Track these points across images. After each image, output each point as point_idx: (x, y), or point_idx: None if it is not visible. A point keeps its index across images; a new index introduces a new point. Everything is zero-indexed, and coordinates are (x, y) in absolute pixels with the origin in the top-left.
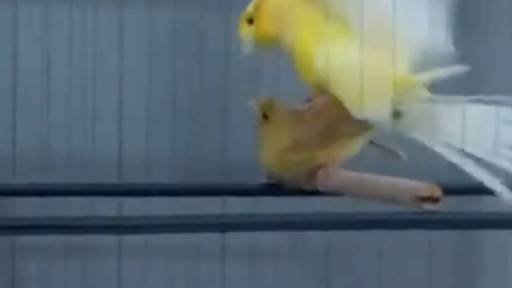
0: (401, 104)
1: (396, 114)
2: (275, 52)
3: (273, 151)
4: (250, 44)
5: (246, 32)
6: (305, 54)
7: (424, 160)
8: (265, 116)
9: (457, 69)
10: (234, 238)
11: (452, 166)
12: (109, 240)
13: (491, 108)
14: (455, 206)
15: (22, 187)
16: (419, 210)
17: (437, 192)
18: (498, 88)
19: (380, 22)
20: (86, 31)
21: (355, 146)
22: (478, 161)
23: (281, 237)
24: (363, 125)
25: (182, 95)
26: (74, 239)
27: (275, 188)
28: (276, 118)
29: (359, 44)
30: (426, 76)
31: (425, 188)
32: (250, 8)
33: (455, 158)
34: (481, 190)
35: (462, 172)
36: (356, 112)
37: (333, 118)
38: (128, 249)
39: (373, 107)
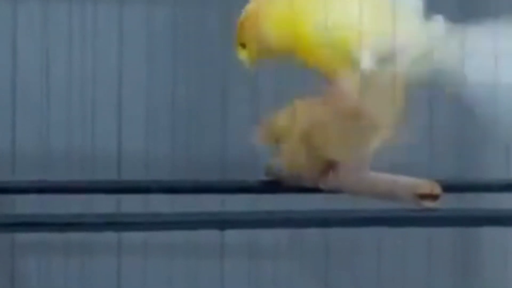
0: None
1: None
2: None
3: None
4: (249, 65)
5: (242, 55)
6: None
7: (423, 158)
8: (277, 141)
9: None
10: (233, 236)
11: (452, 163)
12: (108, 237)
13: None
14: (455, 203)
15: (22, 184)
16: (419, 208)
17: (437, 190)
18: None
19: None
20: (86, 29)
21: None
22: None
23: (280, 235)
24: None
25: (181, 93)
26: (74, 236)
27: (274, 185)
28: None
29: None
30: None
31: (425, 185)
32: (237, 34)
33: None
34: (481, 187)
35: (462, 169)
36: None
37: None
38: (127, 247)
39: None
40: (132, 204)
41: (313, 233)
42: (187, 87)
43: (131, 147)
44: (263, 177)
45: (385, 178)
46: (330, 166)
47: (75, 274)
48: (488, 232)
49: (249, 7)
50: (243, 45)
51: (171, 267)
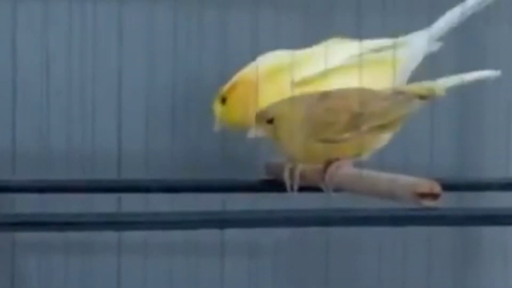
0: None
1: None
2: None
3: (296, 141)
4: (219, 122)
5: (218, 110)
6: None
7: (424, 157)
8: (269, 121)
9: (488, 74)
10: (234, 234)
11: (452, 163)
12: (108, 236)
13: None
14: (455, 202)
15: (22, 183)
16: (419, 207)
17: (437, 189)
18: (497, 84)
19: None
20: (86, 27)
21: (378, 141)
22: None
23: (281, 233)
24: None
25: (181, 92)
26: (74, 235)
27: (274, 184)
28: (285, 114)
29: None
30: (453, 80)
31: (424, 184)
32: (225, 88)
33: None
34: (481, 186)
35: (462, 168)
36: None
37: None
38: (127, 246)
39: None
40: (132, 203)
41: (313, 232)
42: (187, 86)
43: (131, 146)
44: (263, 176)
45: (385, 177)
46: (328, 165)
47: (75, 273)
48: (488, 231)
49: (248, 73)
50: (224, 100)
51: (171, 266)
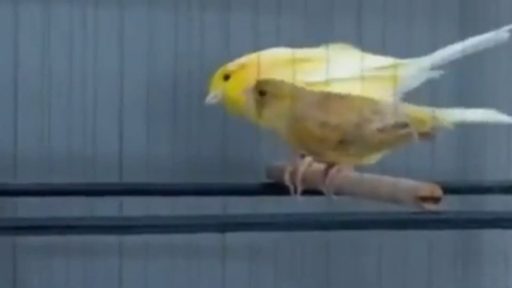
0: None
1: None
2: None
3: (278, 125)
4: (218, 97)
5: (218, 86)
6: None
7: (424, 161)
8: (261, 93)
9: (500, 117)
10: (235, 237)
11: (453, 166)
12: (110, 239)
13: None
14: (456, 205)
15: (23, 187)
16: (420, 210)
17: (438, 192)
18: (497, 86)
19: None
20: (87, 30)
21: (371, 157)
22: None
23: (281, 236)
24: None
25: (182, 95)
26: (75, 239)
27: (275, 188)
28: (278, 91)
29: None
30: (460, 115)
31: (425, 188)
32: (232, 65)
33: None
34: (482, 189)
35: (463, 171)
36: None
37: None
38: (129, 249)
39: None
40: (133, 206)
41: (313, 235)
42: (188, 89)
43: (132, 150)
44: (264, 180)
45: (386, 181)
46: (329, 168)
47: (77, 276)
48: (489, 234)
49: (257, 58)
50: (227, 77)
51: (173, 269)
